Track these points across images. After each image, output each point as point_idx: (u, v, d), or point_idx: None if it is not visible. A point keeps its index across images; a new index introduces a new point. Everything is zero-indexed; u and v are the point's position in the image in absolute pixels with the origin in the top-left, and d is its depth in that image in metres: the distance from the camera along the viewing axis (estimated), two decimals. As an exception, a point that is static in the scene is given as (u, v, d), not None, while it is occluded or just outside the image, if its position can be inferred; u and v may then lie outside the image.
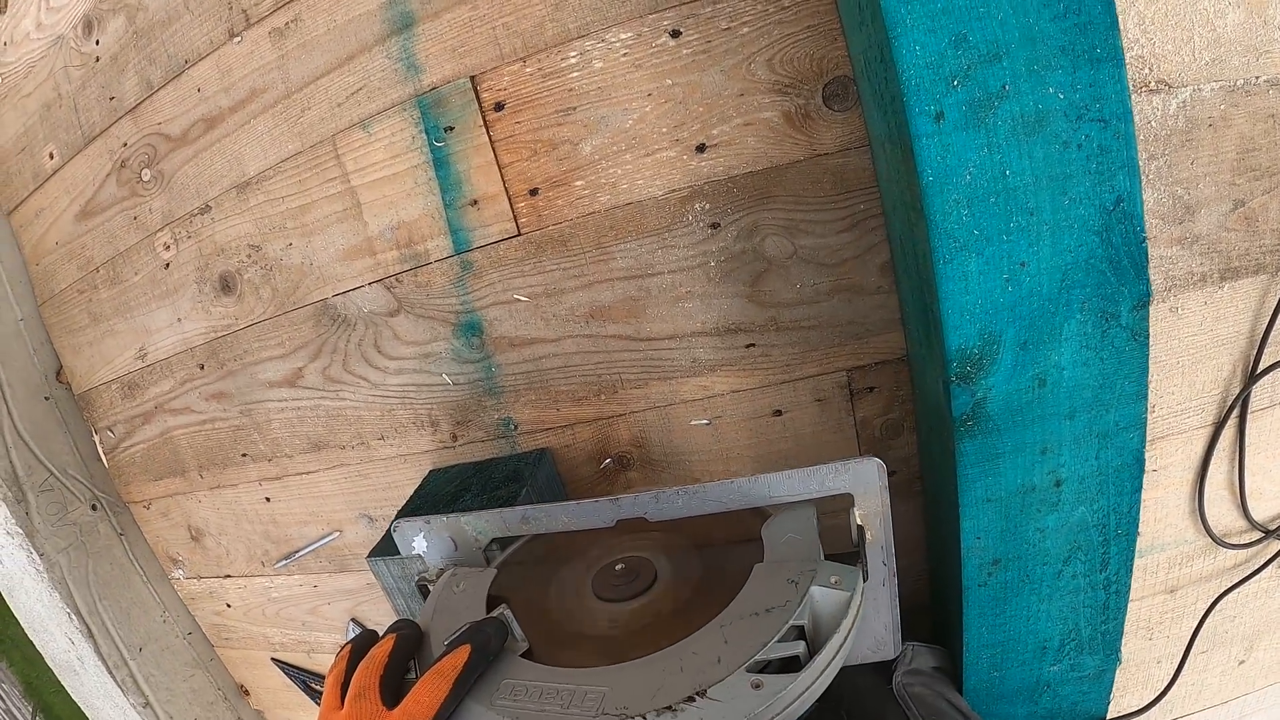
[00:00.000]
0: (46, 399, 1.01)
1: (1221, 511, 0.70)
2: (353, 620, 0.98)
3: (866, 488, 0.47)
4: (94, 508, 1.03)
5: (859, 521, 0.49)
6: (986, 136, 0.46)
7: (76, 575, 1.00)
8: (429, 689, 0.40)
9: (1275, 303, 0.63)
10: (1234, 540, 0.71)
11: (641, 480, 0.80)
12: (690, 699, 0.37)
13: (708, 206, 0.70)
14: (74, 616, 1.00)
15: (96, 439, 1.05)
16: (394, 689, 0.43)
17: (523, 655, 0.44)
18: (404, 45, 0.72)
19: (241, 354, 0.89)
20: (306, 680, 1.06)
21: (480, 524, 0.57)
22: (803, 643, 0.41)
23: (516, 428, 0.80)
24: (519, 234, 0.74)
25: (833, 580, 0.43)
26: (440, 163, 0.73)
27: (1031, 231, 0.48)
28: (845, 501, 0.49)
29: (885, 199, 0.64)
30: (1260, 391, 0.66)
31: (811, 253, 0.69)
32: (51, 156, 0.93)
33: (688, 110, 0.68)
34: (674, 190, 0.70)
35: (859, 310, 0.70)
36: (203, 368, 0.92)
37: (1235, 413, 0.66)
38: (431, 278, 0.77)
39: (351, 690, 0.43)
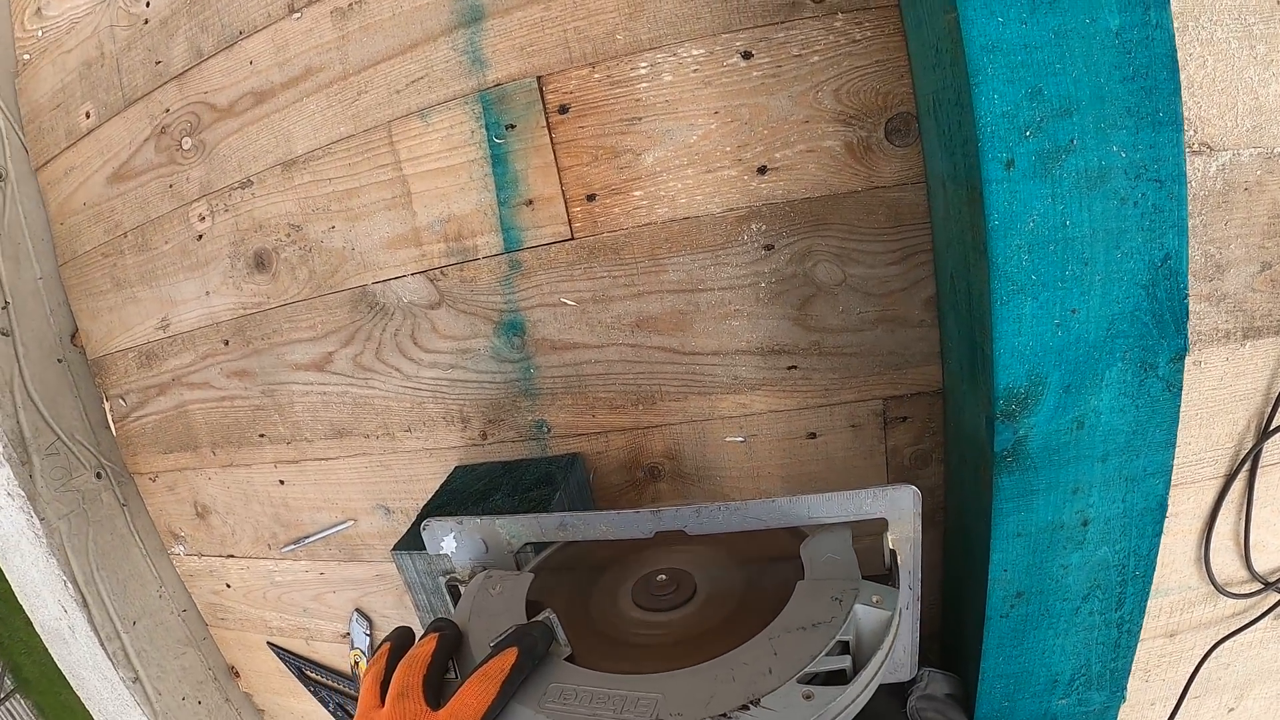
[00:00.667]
0: (59, 361, 0.99)
1: (1225, 561, 0.72)
2: (357, 610, 0.97)
3: (901, 514, 0.49)
4: (99, 475, 1.01)
5: (891, 545, 0.50)
6: (1052, 187, 0.48)
7: (75, 543, 0.98)
8: (475, 691, 0.40)
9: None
10: (1234, 589, 0.73)
11: (671, 492, 0.80)
12: (744, 707, 0.38)
13: (764, 228, 0.70)
14: (69, 584, 0.97)
15: (107, 406, 1.03)
16: (435, 689, 0.42)
17: (566, 660, 0.44)
18: (471, 39, 0.71)
19: (270, 333, 0.88)
20: (301, 667, 1.05)
21: (515, 528, 0.57)
22: (848, 657, 0.42)
23: (550, 431, 0.80)
24: (572, 238, 0.73)
25: (874, 599, 0.44)
26: (498, 160, 0.73)
27: (1084, 281, 0.50)
28: (876, 526, 0.50)
29: (938, 236, 0.66)
30: (1271, 448, 0.68)
31: (860, 282, 0.70)
32: (88, 115, 0.91)
33: (753, 131, 0.68)
34: (732, 209, 0.70)
35: (901, 341, 0.71)
36: (227, 344, 0.91)
37: (1246, 467, 0.69)
38: (478, 274, 0.76)
39: (393, 689, 0.42)
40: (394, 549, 0.68)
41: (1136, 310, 0.50)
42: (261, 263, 0.86)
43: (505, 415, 0.81)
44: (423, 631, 0.48)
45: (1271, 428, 0.67)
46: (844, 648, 0.43)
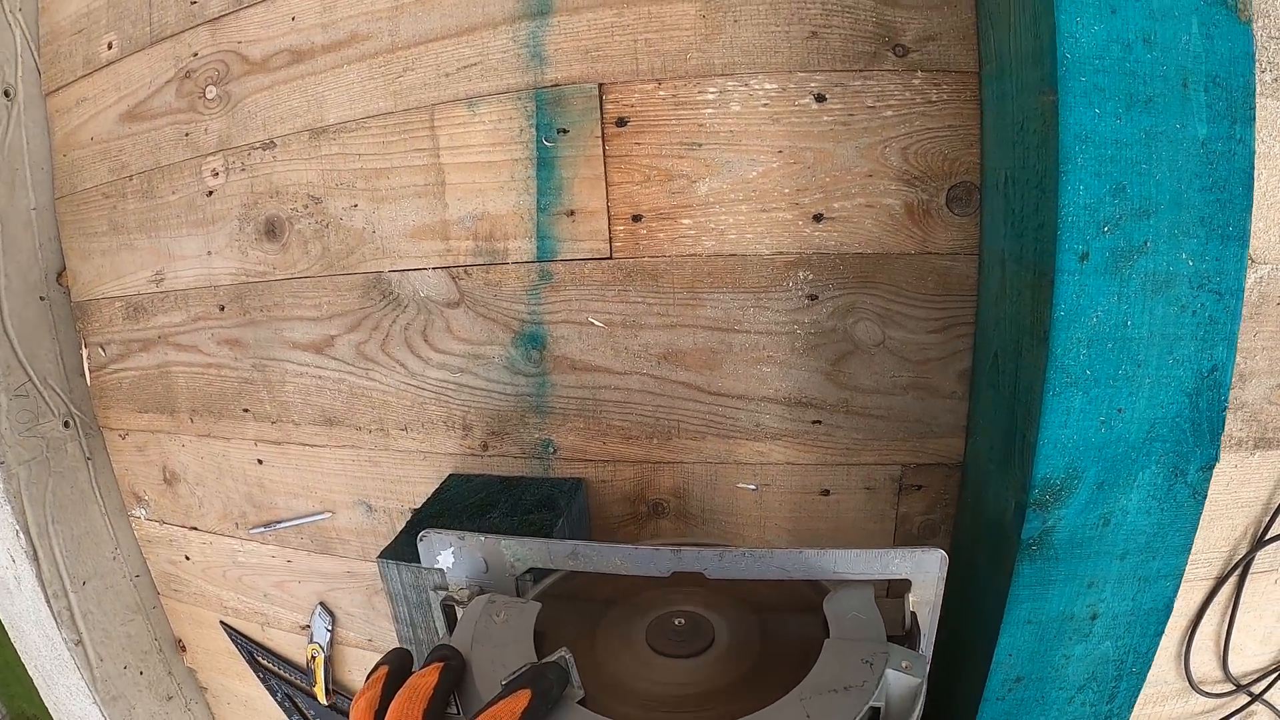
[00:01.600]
0: (42, 299, 0.93)
1: (1202, 660, 0.74)
2: (321, 605, 0.92)
3: (926, 576, 0.48)
4: (66, 424, 0.95)
5: (912, 608, 0.49)
6: (1120, 285, 0.48)
7: (34, 492, 0.92)
8: None
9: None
10: (1208, 689, 0.75)
11: (672, 530, 0.76)
12: None
13: (811, 277, 0.67)
14: (22, 534, 0.91)
15: (85, 353, 0.97)
16: None
17: (579, 704, 0.42)
18: (534, 32, 0.67)
19: (270, 306, 0.82)
20: (254, 652, 1.00)
21: (523, 551, 0.54)
22: None
23: (555, 451, 0.75)
24: (610, 257, 0.69)
25: (904, 665, 0.43)
26: (544, 163, 0.68)
27: (1135, 382, 0.50)
28: (899, 587, 0.50)
29: (984, 311, 0.64)
30: (1263, 556, 0.70)
31: (898, 345, 0.68)
32: (110, 46, 0.85)
33: (814, 177, 0.65)
34: (781, 253, 0.67)
35: (929, 410, 0.69)
36: (223, 309, 0.85)
37: (1238, 572, 0.70)
38: (504, 278, 0.72)
39: None
40: (380, 556, 0.63)
41: (1178, 416, 0.50)
42: (273, 230, 0.80)
43: (511, 429, 0.76)
44: (424, 657, 0.44)
45: (1268, 537, 0.68)
46: (875, 714, 0.42)
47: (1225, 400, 0.50)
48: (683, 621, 0.48)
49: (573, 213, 0.69)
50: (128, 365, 0.94)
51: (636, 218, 0.68)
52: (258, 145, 0.79)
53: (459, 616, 0.53)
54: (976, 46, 0.62)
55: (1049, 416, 0.51)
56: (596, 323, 0.71)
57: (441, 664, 0.41)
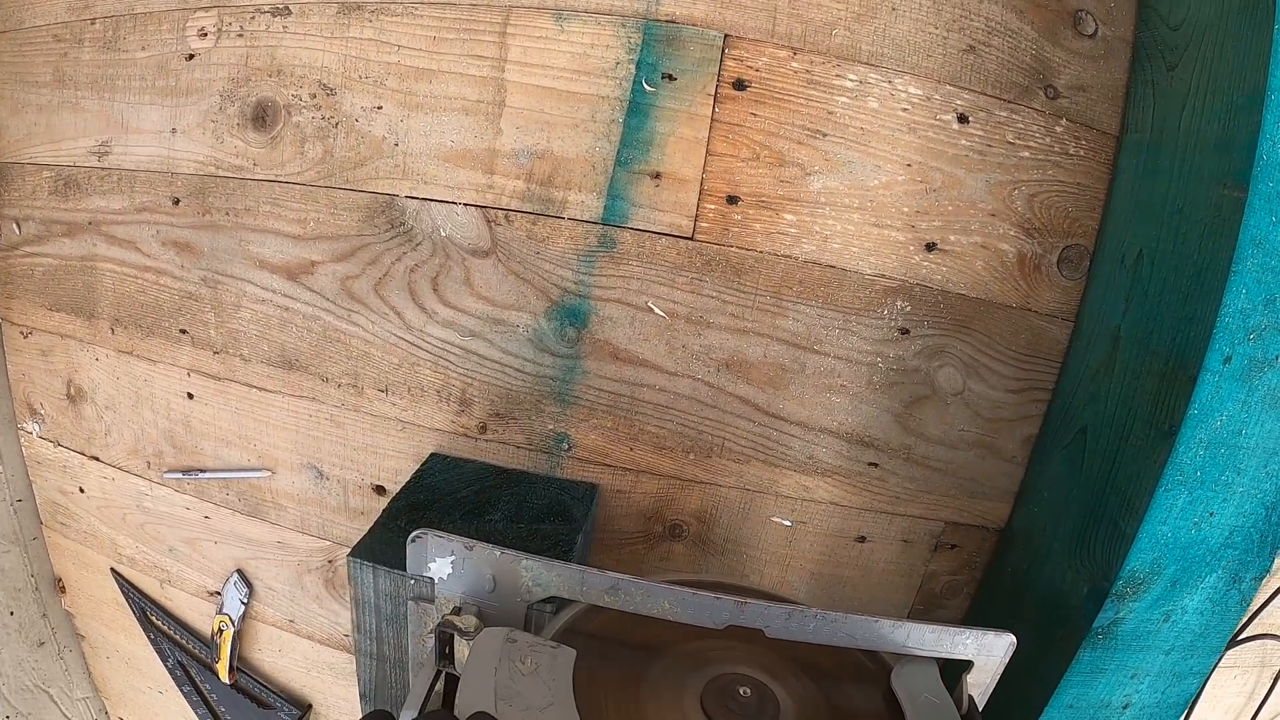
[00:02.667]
0: None
1: None
2: (239, 573, 0.77)
3: (989, 660, 0.47)
4: (-49, 311, 0.75)
5: (970, 691, 0.47)
6: (1246, 394, 0.48)
7: (-113, 383, 0.73)
8: None
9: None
10: None
11: (686, 556, 0.66)
12: None
13: (908, 309, 0.59)
14: None
15: None
16: None
17: None
18: (655, -54, 0.54)
19: (240, 210, 0.66)
20: (146, 609, 0.83)
21: (548, 576, 0.45)
22: None
23: (570, 449, 0.64)
24: (691, 238, 0.58)
25: None
26: (637, 110, 0.56)
27: (1231, 488, 0.50)
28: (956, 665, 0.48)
29: (1067, 381, 0.62)
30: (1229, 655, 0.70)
31: (975, 399, 0.63)
32: None
33: (937, 202, 0.58)
34: (884, 276, 0.58)
35: (986, 471, 0.65)
36: (177, 203, 0.68)
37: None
38: (554, 234, 0.59)
39: None
40: (352, 554, 0.50)
41: (1253, 527, 0.52)
42: (263, 117, 0.64)
43: (520, 414, 0.64)
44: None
45: (1240, 637, 0.68)
46: None
47: None
48: (748, 691, 0.43)
49: (658, 175, 0.57)
50: (45, 251, 0.75)
51: (732, 199, 0.57)
52: (266, 9, 0.63)
53: (459, 649, 0.43)
54: (1122, 110, 0.58)
55: (1154, 512, 0.50)
56: (657, 310, 0.59)
57: None
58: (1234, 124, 0.48)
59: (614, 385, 0.62)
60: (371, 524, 0.55)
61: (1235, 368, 0.47)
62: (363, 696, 0.57)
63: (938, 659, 0.47)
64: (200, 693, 0.85)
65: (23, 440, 0.84)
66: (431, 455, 0.66)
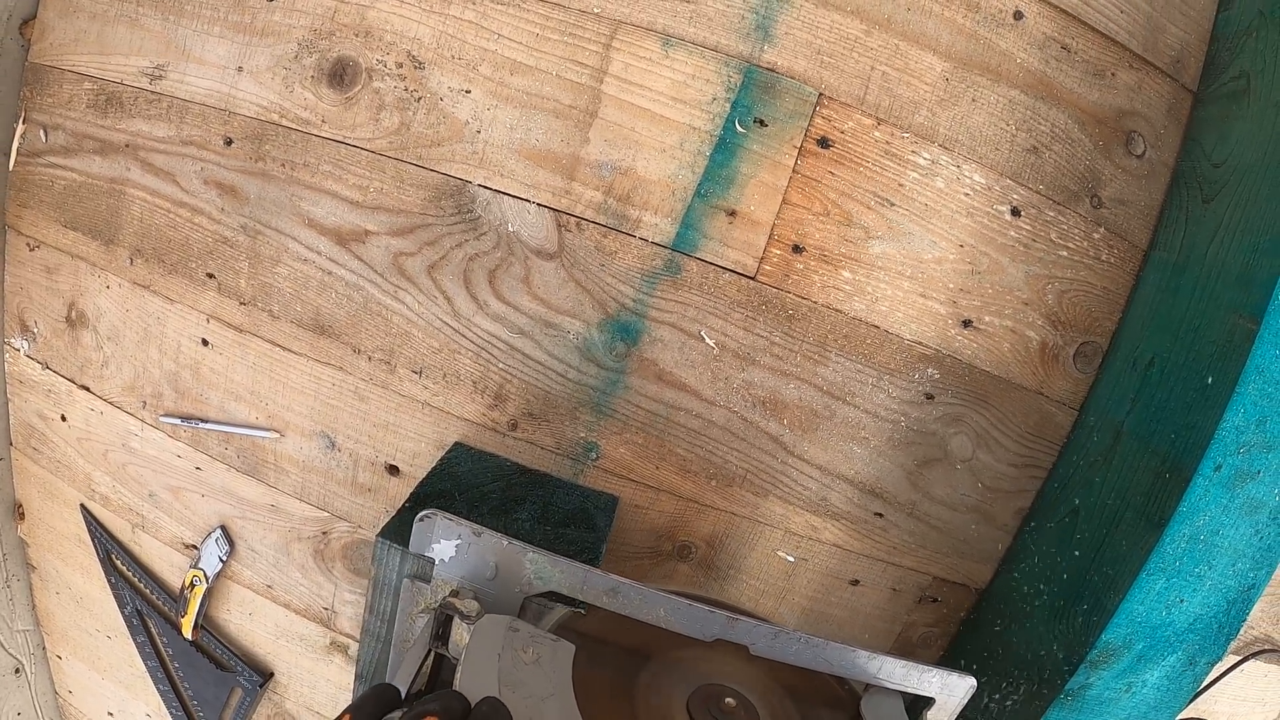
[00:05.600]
0: None
1: None
2: (222, 529, 0.75)
3: (949, 700, 0.50)
4: (-41, 209, 0.70)
5: None
6: (1228, 500, 0.53)
7: None
8: None
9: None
10: None
11: (688, 575, 0.69)
12: None
13: (936, 376, 0.63)
14: None
15: (20, 128, 0.72)
16: None
17: None
18: (770, 3, 0.56)
19: (298, 164, 0.65)
20: (111, 552, 0.80)
21: (552, 571, 0.47)
22: None
23: (597, 458, 0.65)
24: (753, 277, 0.60)
25: None
26: (724, 147, 0.58)
27: (1201, 580, 0.56)
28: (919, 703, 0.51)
29: (1064, 465, 0.66)
30: None
31: (981, 468, 0.67)
32: None
33: (979, 284, 0.62)
34: (920, 342, 0.62)
35: (977, 535, 0.69)
36: (229, 144, 0.66)
37: None
38: (622, 250, 0.60)
39: None
40: (381, 535, 0.50)
41: (1214, 617, 0.57)
42: (340, 76, 0.63)
43: (554, 417, 0.64)
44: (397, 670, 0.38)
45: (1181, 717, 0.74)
46: None
47: (1246, 616, 0.57)
48: (733, 702, 0.45)
49: (734, 213, 0.59)
50: (71, 164, 0.71)
51: (798, 248, 0.59)
52: (363, -32, 0.62)
53: (457, 632, 0.44)
54: (1154, 228, 0.64)
55: (1135, 592, 0.55)
56: (708, 340, 0.61)
57: None
58: (1257, 263, 0.53)
59: (652, 404, 0.63)
60: (398, 508, 0.55)
61: (1224, 475, 0.52)
62: (359, 677, 0.57)
63: (904, 692, 0.50)
64: (155, 644, 0.82)
65: (7, 356, 0.79)
66: (456, 444, 0.66)
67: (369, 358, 0.67)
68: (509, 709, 0.34)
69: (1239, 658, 0.73)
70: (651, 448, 0.64)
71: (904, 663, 0.48)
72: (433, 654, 0.45)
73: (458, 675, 0.39)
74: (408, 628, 0.49)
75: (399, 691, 0.37)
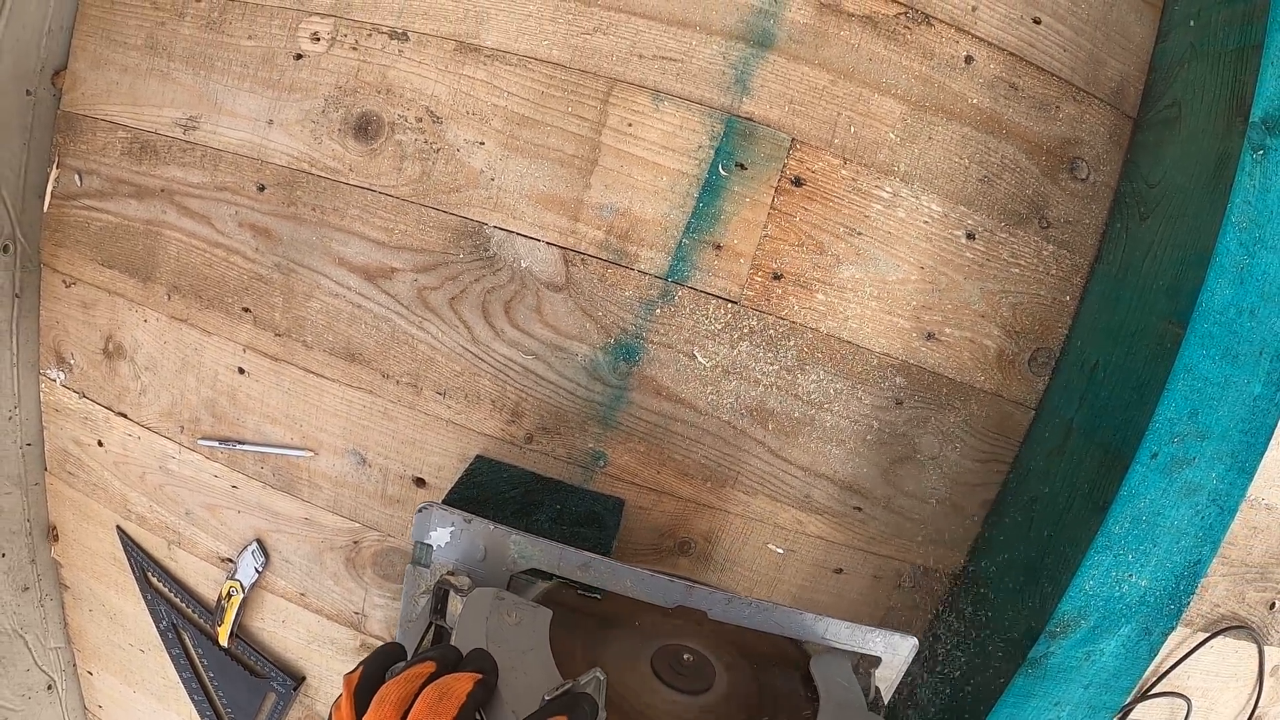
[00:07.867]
0: (28, 94, 0.73)
1: None
2: (258, 542, 0.81)
3: (895, 658, 0.54)
4: (5, 249, 0.76)
5: (877, 684, 0.55)
6: (1166, 484, 0.59)
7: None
8: None
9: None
10: None
11: (688, 569, 0.76)
12: None
13: (904, 384, 0.71)
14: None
15: (54, 173, 0.78)
16: None
17: None
18: (747, 60, 0.64)
19: (327, 209, 0.72)
20: (147, 569, 0.85)
21: (531, 550, 0.53)
22: None
23: (604, 466, 0.72)
24: (737, 302, 0.68)
25: None
26: (710, 189, 0.66)
27: (1147, 558, 0.61)
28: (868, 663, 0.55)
29: (1026, 458, 0.73)
30: (1140, 710, 0.83)
31: (947, 465, 0.74)
32: None
33: (939, 300, 0.69)
34: (888, 355, 0.70)
35: (948, 525, 0.76)
36: (262, 190, 0.73)
37: (1118, 715, 0.79)
38: (623, 282, 0.68)
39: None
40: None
41: (1163, 591, 0.62)
42: (366, 130, 0.70)
43: (565, 430, 0.72)
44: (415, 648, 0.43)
45: (1150, 692, 0.80)
46: None
47: (1196, 589, 0.63)
48: (690, 658, 0.49)
49: (719, 246, 0.67)
50: (106, 207, 0.77)
51: (777, 276, 0.67)
52: (384, 30, 0.69)
53: (453, 604, 0.51)
54: (1099, 245, 0.70)
55: (1084, 570, 0.61)
56: (701, 358, 0.69)
57: (480, 675, 0.39)
58: (1184, 275, 0.58)
59: (653, 416, 0.71)
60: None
61: (1160, 462, 0.58)
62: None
63: (852, 652, 0.54)
64: (189, 656, 0.87)
65: (44, 386, 0.85)
66: (477, 456, 0.73)
67: (396, 381, 0.74)
68: (494, 659, 0.41)
69: (1207, 634, 0.77)
70: (653, 455, 0.72)
71: (849, 624, 0.52)
72: (433, 626, 0.52)
73: (453, 636, 0.46)
74: (412, 607, 0.56)
75: (404, 649, 0.44)
